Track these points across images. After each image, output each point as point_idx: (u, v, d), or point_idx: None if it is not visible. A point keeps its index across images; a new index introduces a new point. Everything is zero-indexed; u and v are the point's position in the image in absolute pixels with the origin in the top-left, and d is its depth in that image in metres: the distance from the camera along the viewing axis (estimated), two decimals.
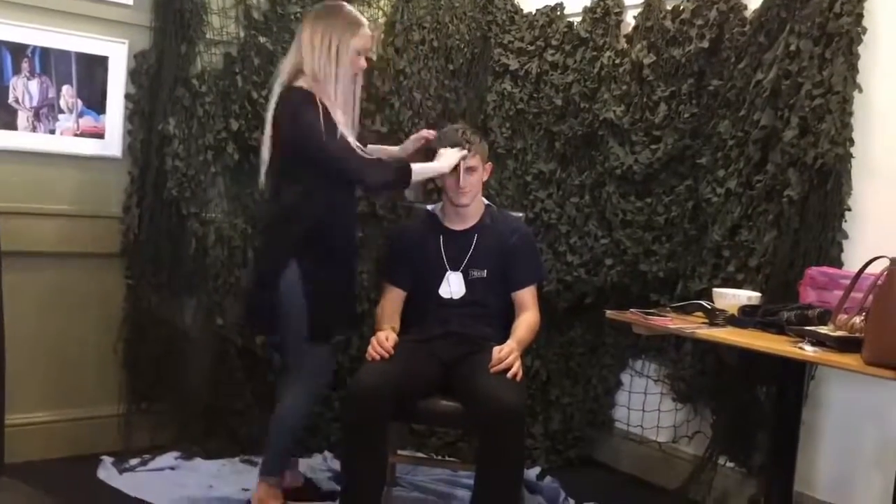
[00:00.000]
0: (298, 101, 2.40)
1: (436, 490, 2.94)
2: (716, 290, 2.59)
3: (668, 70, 3.07)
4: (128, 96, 2.98)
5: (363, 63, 2.58)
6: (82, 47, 2.90)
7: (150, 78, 2.97)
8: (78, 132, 2.94)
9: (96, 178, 2.97)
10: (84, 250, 2.97)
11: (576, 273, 3.30)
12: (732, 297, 2.50)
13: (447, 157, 2.58)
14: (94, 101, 2.95)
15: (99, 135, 2.97)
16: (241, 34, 3.12)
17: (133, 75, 2.98)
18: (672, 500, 3.01)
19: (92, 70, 2.93)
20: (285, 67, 2.50)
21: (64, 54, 2.87)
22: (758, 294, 2.57)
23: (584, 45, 3.35)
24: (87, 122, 2.95)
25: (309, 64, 2.45)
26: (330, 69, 2.45)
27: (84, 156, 2.95)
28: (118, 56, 2.96)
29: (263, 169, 2.54)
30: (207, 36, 3.05)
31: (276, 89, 2.47)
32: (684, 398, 3.16)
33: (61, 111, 2.90)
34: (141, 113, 2.98)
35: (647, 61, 3.12)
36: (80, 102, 2.93)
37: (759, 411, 2.82)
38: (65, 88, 2.90)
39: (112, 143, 2.99)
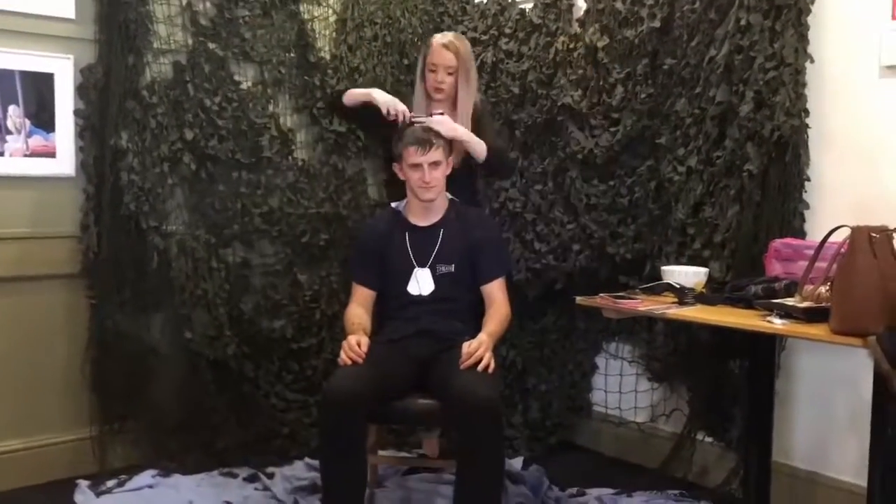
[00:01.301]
0: None
1: (419, 489, 2.93)
2: (663, 268, 2.60)
3: (622, 52, 3.08)
4: (77, 112, 2.92)
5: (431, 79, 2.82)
6: (26, 65, 2.83)
7: (98, 92, 2.91)
8: (28, 152, 2.87)
9: (50, 198, 2.91)
10: (43, 272, 2.91)
11: (544, 260, 3.30)
12: (679, 275, 2.51)
13: (380, 95, 2.76)
14: (43, 119, 2.89)
15: (50, 154, 2.90)
16: (190, 42, 3.07)
17: (81, 91, 2.91)
18: (654, 479, 3.03)
19: (38, 88, 2.86)
20: None
21: (8, 73, 2.80)
22: (705, 269, 2.58)
23: (538, 31, 3.34)
24: (37, 141, 2.89)
25: None
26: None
27: (36, 176, 2.88)
28: (64, 72, 2.89)
29: None
30: (155, 46, 3.00)
31: None
32: (660, 377, 3.18)
33: (9, 132, 2.83)
34: (92, 128, 2.92)
35: (600, 44, 3.12)
36: (27, 122, 2.86)
37: (733, 385, 2.85)
38: (11, 108, 2.83)
39: (64, 162, 2.92)
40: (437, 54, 2.81)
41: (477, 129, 2.81)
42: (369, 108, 2.80)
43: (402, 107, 2.74)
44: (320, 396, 2.52)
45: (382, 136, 2.91)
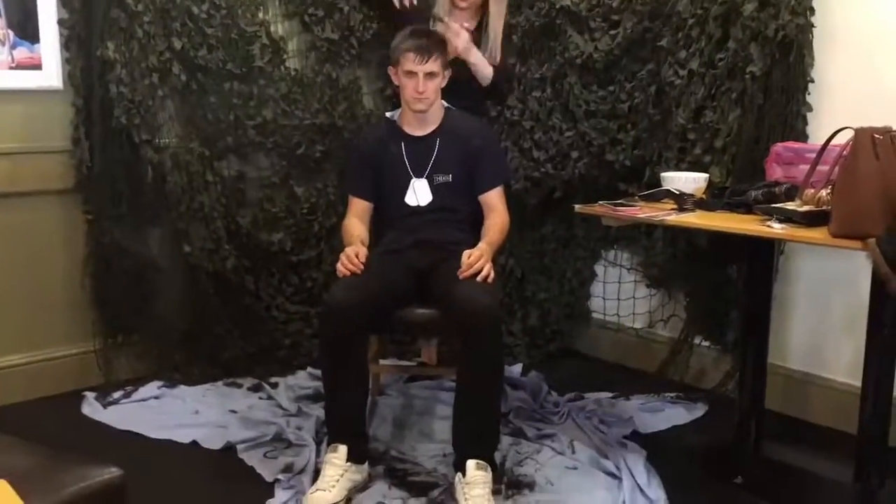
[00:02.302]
0: None
1: (421, 395, 2.99)
2: (663, 174, 2.57)
3: None
4: (61, 22, 2.82)
5: None
6: None
7: (82, 1, 2.81)
8: (13, 65, 2.79)
9: (39, 112, 2.85)
10: (37, 188, 2.87)
11: (543, 168, 3.27)
12: (679, 181, 2.48)
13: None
14: (27, 30, 2.79)
15: (36, 66, 2.83)
16: None
17: None
18: (651, 382, 3.08)
19: None
20: None
21: None
22: (705, 175, 2.55)
23: None
24: (22, 53, 2.81)
25: None
26: None
27: (23, 89, 2.81)
28: None
29: None
30: None
31: None
32: (658, 284, 3.20)
33: None
34: (77, 39, 2.82)
35: None
36: (11, 34, 2.77)
37: (731, 290, 2.87)
38: None
39: (51, 74, 2.85)
40: None
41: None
42: None
43: None
44: (321, 308, 2.54)
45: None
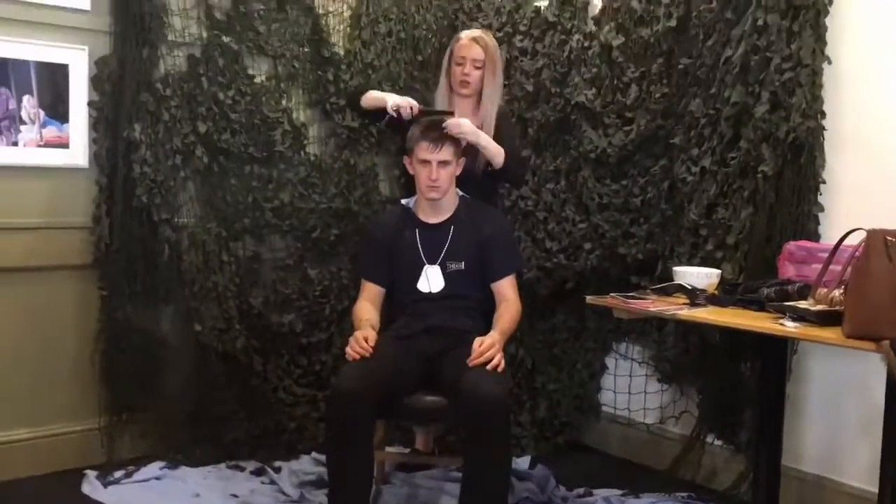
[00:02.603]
0: None
1: (426, 486, 2.93)
2: (675, 269, 2.58)
3: (637, 51, 3.06)
4: (91, 104, 2.93)
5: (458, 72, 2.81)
6: (41, 56, 2.84)
7: (112, 84, 2.91)
8: (42, 143, 2.88)
9: (63, 189, 2.92)
10: (55, 263, 2.92)
11: (555, 259, 3.29)
12: (691, 276, 2.49)
13: (396, 96, 2.72)
14: (57, 110, 2.89)
15: (63, 144, 2.91)
16: (204, 35, 3.07)
17: (95, 82, 2.92)
18: (662, 480, 3.01)
19: (53, 79, 2.87)
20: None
21: (23, 64, 2.81)
22: (717, 271, 2.56)
23: (553, 29, 3.32)
24: (51, 132, 2.89)
25: None
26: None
27: (49, 167, 2.89)
28: (79, 63, 2.90)
29: None
30: (169, 38, 3.00)
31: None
32: (669, 379, 3.16)
33: (23, 122, 2.84)
34: (105, 120, 2.93)
35: (615, 43, 3.10)
36: (42, 112, 2.87)
37: (743, 388, 2.83)
38: (26, 99, 2.84)
39: (77, 153, 2.93)
40: (466, 47, 2.80)
41: (498, 133, 2.80)
42: (380, 111, 2.79)
43: (408, 101, 2.71)
44: (328, 391, 2.52)
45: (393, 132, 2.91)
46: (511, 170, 2.84)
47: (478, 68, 2.81)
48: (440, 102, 2.84)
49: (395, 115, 2.71)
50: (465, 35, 2.84)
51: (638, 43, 3.05)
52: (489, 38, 2.86)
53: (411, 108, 2.69)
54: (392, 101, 2.73)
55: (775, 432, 2.54)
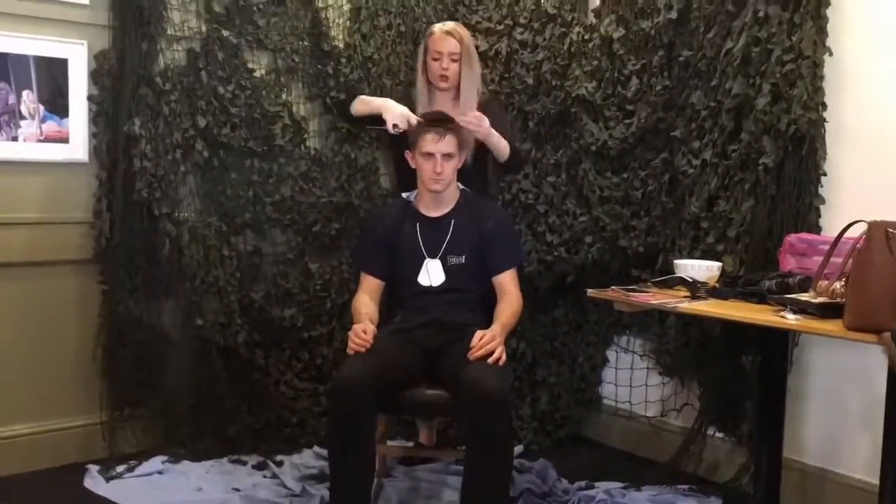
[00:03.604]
0: None
1: (428, 479, 2.93)
2: (676, 262, 2.59)
3: (637, 43, 3.05)
4: (90, 98, 2.92)
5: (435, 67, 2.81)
6: (40, 50, 2.83)
7: (112, 78, 2.90)
8: (41, 138, 2.88)
9: (63, 184, 2.92)
10: (56, 258, 2.91)
11: (556, 252, 3.28)
12: (692, 268, 2.49)
13: (394, 107, 2.70)
14: (56, 105, 2.89)
15: (63, 139, 2.91)
16: (203, 28, 3.06)
17: (94, 76, 2.91)
18: (663, 473, 3.01)
19: (52, 73, 2.86)
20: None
21: (22, 59, 2.80)
22: (718, 264, 2.56)
23: (553, 21, 3.31)
24: (51, 126, 2.89)
25: None
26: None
27: (49, 161, 2.88)
28: (78, 57, 2.89)
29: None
30: (168, 32, 2.99)
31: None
32: (670, 372, 3.16)
33: (23, 117, 2.84)
34: (105, 114, 2.92)
35: (616, 35, 3.09)
36: (41, 107, 2.87)
37: (745, 381, 2.83)
38: (25, 94, 2.83)
39: (77, 147, 2.93)
40: (441, 41, 2.80)
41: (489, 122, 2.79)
42: (376, 118, 2.78)
43: (404, 116, 2.70)
44: (330, 385, 2.52)
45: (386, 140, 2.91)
46: (514, 161, 2.85)
47: (454, 61, 2.80)
48: (420, 99, 2.84)
49: (395, 131, 2.71)
50: (438, 28, 2.84)
51: (638, 35, 3.04)
52: (462, 30, 2.86)
53: (409, 122, 2.68)
54: (390, 117, 2.72)
55: (776, 424, 2.54)
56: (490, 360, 2.29)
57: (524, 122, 3.39)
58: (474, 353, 2.30)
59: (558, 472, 2.96)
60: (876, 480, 2.21)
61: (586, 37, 3.20)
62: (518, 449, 3.06)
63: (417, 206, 2.66)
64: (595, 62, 3.15)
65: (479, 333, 2.36)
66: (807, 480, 2.75)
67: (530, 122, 3.36)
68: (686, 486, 2.90)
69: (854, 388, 2.64)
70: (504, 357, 2.33)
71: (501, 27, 3.44)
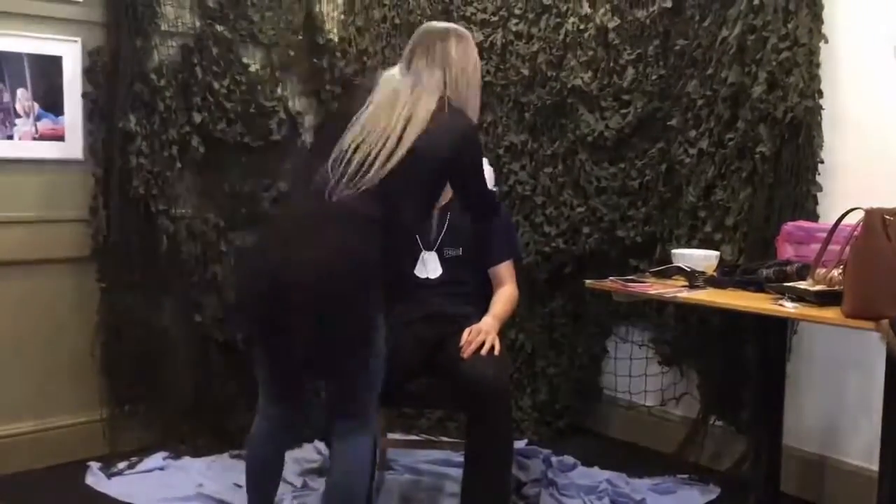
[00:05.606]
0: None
1: (429, 471, 2.94)
2: (674, 251, 2.59)
3: (633, 32, 3.05)
4: (85, 95, 2.91)
5: None
6: (34, 48, 2.82)
7: (106, 75, 2.89)
8: (36, 136, 2.87)
9: (59, 182, 2.91)
10: (53, 256, 2.91)
11: (554, 243, 3.28)
12: (690, 258, 2.49)
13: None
14: (51, 102, 2.88)
15: (59, 137, 2.90)
16: (197, 24, 3.05)
17: (89, 74, 2.90)
18: (664, 462, 3.02)
19: (46, 71, 2.85)
20: (430, 85, 2.06)
21: (16, 57, 2.79)
22: (716, 253, 2.56)
23: (548, 12, 3.30)
24: (46, 124, 2.88)
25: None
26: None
27: (45, 159, 2.88)
28: (72, 55, 2.88)
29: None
30: (162, 28, 2.98)
31: (423, 115, 2.00)
32: (670, 361, 3.17)
33: (18, 115, 2.83)
34: (100, 112, 2.91)
35: (611, 25, 3.09)
36: (36, 105, 2.86)
37: (744, 369, 2.83)
38: (20, 92, 2.82)
39: (73, 145, 2.92)
40: None
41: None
42: None
43: None
44: None
45: None
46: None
47: None
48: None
49: None
50: None
51: (633, 25, 3.03)
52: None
53: None
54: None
55: (776, 412, 2.55)
56: (483, 350, 2.29)
57: (520, 114, 3.38)
58: (465, 351, 2.30)
59: (559, 462, 2.96)
60: (875, 467, 2.21)
61: (581, 27, 3.19)
62: (518, 440, 3.07)
63: None
64: (590, 52, 3.15)
65: (466, 330, 2.36)
66: (806, 467, 2.76)
67: (526, 114, 3.36)
68: (686, 475, 2.91)
69: (853, 374, 2.65)
70: (498, 345, 2.33)
71: (496, 18, 3.43)
